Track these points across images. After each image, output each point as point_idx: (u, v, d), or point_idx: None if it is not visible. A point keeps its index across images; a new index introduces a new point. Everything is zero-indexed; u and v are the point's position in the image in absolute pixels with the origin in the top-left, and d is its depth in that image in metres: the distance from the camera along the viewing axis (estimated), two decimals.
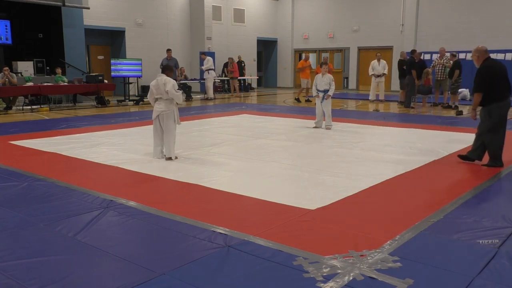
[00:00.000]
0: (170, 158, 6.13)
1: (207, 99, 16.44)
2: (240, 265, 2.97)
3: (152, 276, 2.79)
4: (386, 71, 15.43)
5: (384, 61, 15.47)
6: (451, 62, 12.97)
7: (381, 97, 15.48)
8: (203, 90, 18.35)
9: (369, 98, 15.66)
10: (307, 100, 15.28)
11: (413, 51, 13.99)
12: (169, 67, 6.33)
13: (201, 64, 17.51)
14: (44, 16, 14.76)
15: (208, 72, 16.44)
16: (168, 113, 6.08)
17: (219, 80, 19.90)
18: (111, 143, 7.45)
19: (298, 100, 15.57)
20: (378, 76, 15.30)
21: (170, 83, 6.05)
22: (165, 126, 6.11)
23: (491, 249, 3.19)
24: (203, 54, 17.03)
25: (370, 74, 15.57)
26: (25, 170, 5.54)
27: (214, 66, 17.12)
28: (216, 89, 19.01)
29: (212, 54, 19.11)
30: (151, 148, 6.41)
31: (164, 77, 6.09)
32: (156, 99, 6.16)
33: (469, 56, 17.58)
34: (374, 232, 3.53)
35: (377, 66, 15.31)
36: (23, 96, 12.82)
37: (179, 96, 6.16)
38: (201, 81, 17.83)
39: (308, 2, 22.71)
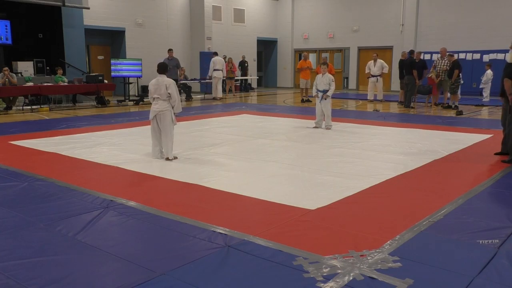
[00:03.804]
0: (168, 159, 6.12)
1: (214, 98, 16.51)
2: (240, 265, 2.97)
3: (152, 276, 2.79)
4: (385, 71, 15.40)
5: (381, 61, 15.42)
6: (449, 62, 13.00)
7: (380, 97, 15.49)
8: (203, 90, 18.37)
9: (368, 98, 15.70)
10: (307, 100, 15.28)
11: (412, 52, 14.01)
12: (165, 66, 6.26)
13: (202, 64, 17.53)
14: (44, 16, 14.75)
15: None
16: (165, 113, 6.07)
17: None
18: (111, 143, 7.45)
19: (303, 100, 15.57)
20: (374, 76, 15.31)
21: (173, 86, 6.05)
22: (163, 125, 6.10)
23: (491, 249, 3.19)
24: (214, 53, 17.16)
25: (366, 72, 15.65)
26: (25, 170, 5.54)
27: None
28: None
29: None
30: (150, 148, 6.41)
31: (165, 77, 6.09)
32: (154, 99, 6.16)
33: (469, 56, 17.66)
34: (374, 232, 3.53)
35: (373, 66, 15.34)
36: (23, 96, 12.82)
37: (179, 105, 6.16)
38: (201, 81, 17.84)
39: (308, 2, 22.71)
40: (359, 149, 6.92)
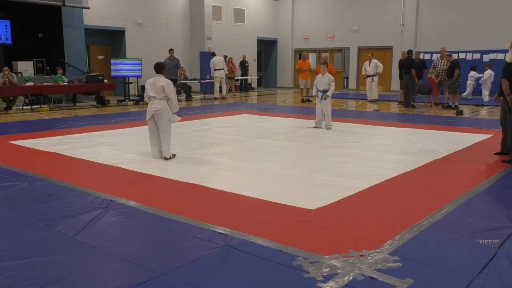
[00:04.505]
0: (166, 158, 6.12)
1: (215, 98, 16.70)
2: (240, 265, 2.97)
3: (152, 276, 2.79)
4: (380, 70, 15.39)
5: (376, 61, 15.41)
6: (446, 60, 13.00)
7: (374, 97, 15.51)
8: (203, 90, 18.40)
9: (367, 98, 15.74)
10: (307, 100, 15.28)
11: (410, 51, 14.02)
12: (163, 66, 6.22)
13: (202, 64, 17.49)
14: (44, 16, 14.75)
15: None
16: (162, 112, 6.07)
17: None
18: (111, 143, 7.45)
19: (303, 100, 15.61)
20: (369, 76, 15.36)
21: (170, 86, 6.03)
22: (160, 125, 6.09)
23: (491, 249, 3.19)
24: (213, 53, 17.29)
25: (363, 73, 15.75)
26: (25, 170, 5.54)
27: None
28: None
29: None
30: (150, 148, 6.41)
31: (162, 78, 6.08)
32: (150, 98, 6.14)
33: (469, 56, 17.65)
34: (374, 232, 3.53)
35: (368, 67, 15.40)
36: (23, 96, 12.82)
37: (176, 105, 6.15)
38: (201, 81, 17.85)
39: (308, 2, 22.70)
40: (359, 149, 6.92)
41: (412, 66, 13.27)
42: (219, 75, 16.60)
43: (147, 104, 6.33)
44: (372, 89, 15.48)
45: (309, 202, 4.27)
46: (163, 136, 6.11)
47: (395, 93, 17.25)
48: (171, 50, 14.93)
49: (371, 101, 15.41)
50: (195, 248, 3.24)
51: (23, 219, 3.83)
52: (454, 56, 13.73)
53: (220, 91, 17.07)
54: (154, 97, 6.06)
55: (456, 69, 12.56)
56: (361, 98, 16.78)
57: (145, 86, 6.22)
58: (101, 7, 16.34)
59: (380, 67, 15.36)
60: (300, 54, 22.07)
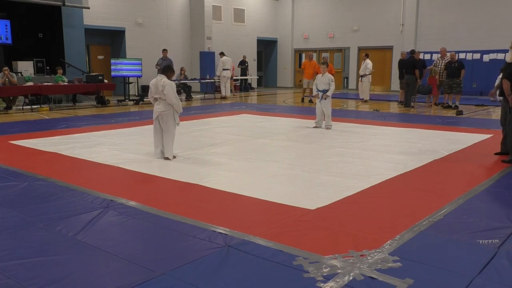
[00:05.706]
0: (167, 158, 6.13)
1: (221, 97, 16.89)
2: (240, 265, 2.97)
3: (152, 276, 2.79)
4: (367, 72, 15.37)
5: (367, 61, 15.37)
6: (446, 60, 12.99)
7: (364, 97, 15.50)
8: (203, 90, 18.42)
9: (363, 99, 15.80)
10: (310, 101, 15.21)
11: (412, 51, 14.03)
12: (170, 68, 6.26)
13: (202, 64, 17.50)
14: (44, 16, 14.75)
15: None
16: (167, 113, 6.08)
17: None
18: (111, 143, 7.44)
19: (303, 100, 15.65)
20: (362, 76, 15.45)
21: (169, 87, 6.01)
22: (164, 126, 6.11)
23: (491, 249, 3.19)
24: (221, 53, 17.43)
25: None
26: (25, 170, 5.54)
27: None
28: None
29: (212, 54, 19.13)
30: (151, 148, 6.41)
31: (164, 78, 6.07)
32: (156, 99, 6.16)
33: (469, 56, 17.65)
34: (374, 232, 3.53)
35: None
36: (23, 96, 12.82)
37: (179, 104, 6.15)
38: (201, 81, 17.87)
39: (308, 2, 22.70)
40: (359, 149, 6.92)
41: (415, 66, 13.30)
42: (226, 75, 16.92)
43: (148, 104, 6.33)
44: (363, 89, 15.55)
45: (309, 202, 4.27)
46: (166, 136, 6.13)
47: (395, 93, 17.25)
48: (164, 50, 15.01)
49: (361, 101, 15.48)
50: (195, 248, 3.24)
51: (23, 219, 3.83)
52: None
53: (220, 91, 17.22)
54: (160, 98, 6.07)
55: (462, 69, 12.63)
56: (361, 98, 16.77)
57: (150, 87, 6.24)
58: (101, 7, 16.34)
59: (368, 69, 15.33)
60: (300, 54, 22.07)
